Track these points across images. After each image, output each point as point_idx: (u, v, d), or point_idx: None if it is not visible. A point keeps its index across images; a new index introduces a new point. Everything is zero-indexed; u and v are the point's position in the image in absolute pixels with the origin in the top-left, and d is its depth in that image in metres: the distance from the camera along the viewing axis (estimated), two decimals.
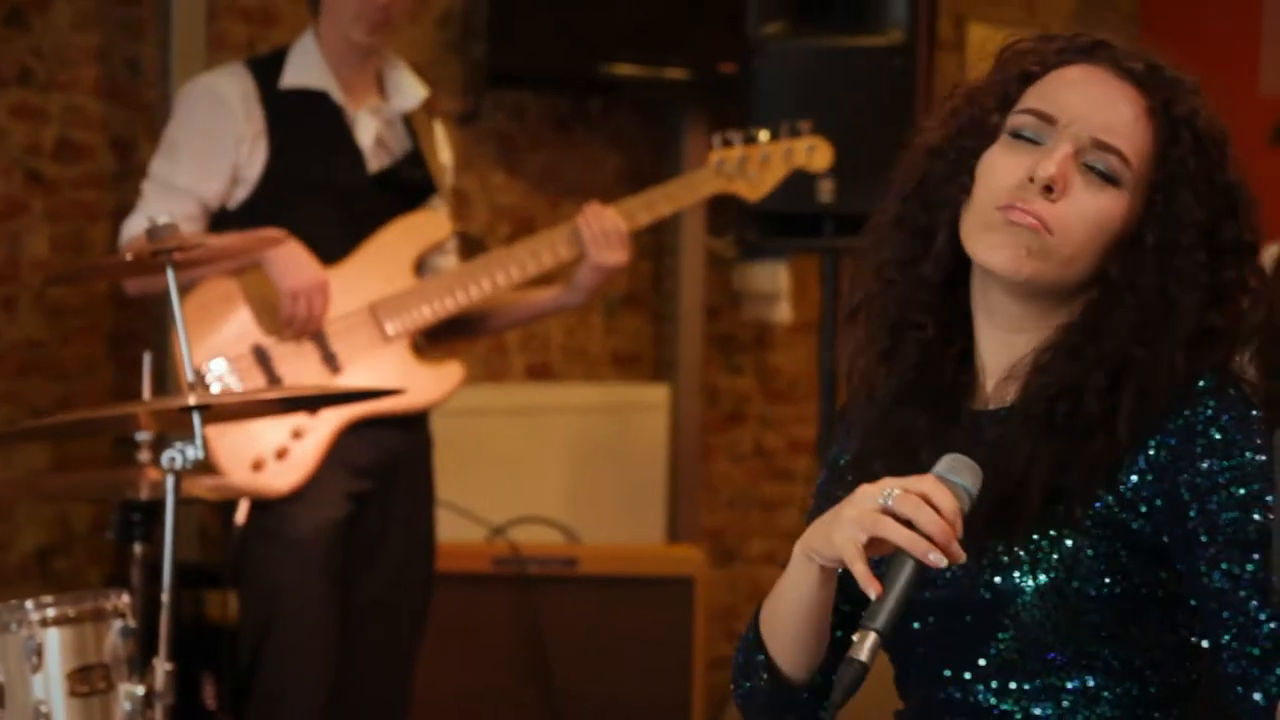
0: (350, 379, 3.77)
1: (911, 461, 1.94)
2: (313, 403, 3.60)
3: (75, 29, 4.44)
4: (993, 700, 1.92)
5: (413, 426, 3.91)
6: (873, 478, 1.89)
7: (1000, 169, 1.93)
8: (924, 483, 1.80)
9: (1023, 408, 1.93)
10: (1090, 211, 1.91)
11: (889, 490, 1.79)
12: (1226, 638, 1.84)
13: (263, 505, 3.72)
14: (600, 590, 4.56)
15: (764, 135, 4.08)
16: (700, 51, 5.24)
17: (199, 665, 3.88)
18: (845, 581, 1.88)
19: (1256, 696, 1.82)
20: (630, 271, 5.52)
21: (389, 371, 3.80)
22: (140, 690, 2.97)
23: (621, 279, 5.51)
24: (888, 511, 1.78)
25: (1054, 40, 2.00)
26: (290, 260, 3.69)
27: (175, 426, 3.28)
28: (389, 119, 3.90)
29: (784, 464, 5.87)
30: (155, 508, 3.32)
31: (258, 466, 3.71)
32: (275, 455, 3.72)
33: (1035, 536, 1.88)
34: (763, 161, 4.06)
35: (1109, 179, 1.91)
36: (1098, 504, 1.88)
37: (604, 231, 3.88)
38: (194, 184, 3.76)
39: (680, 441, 5.55)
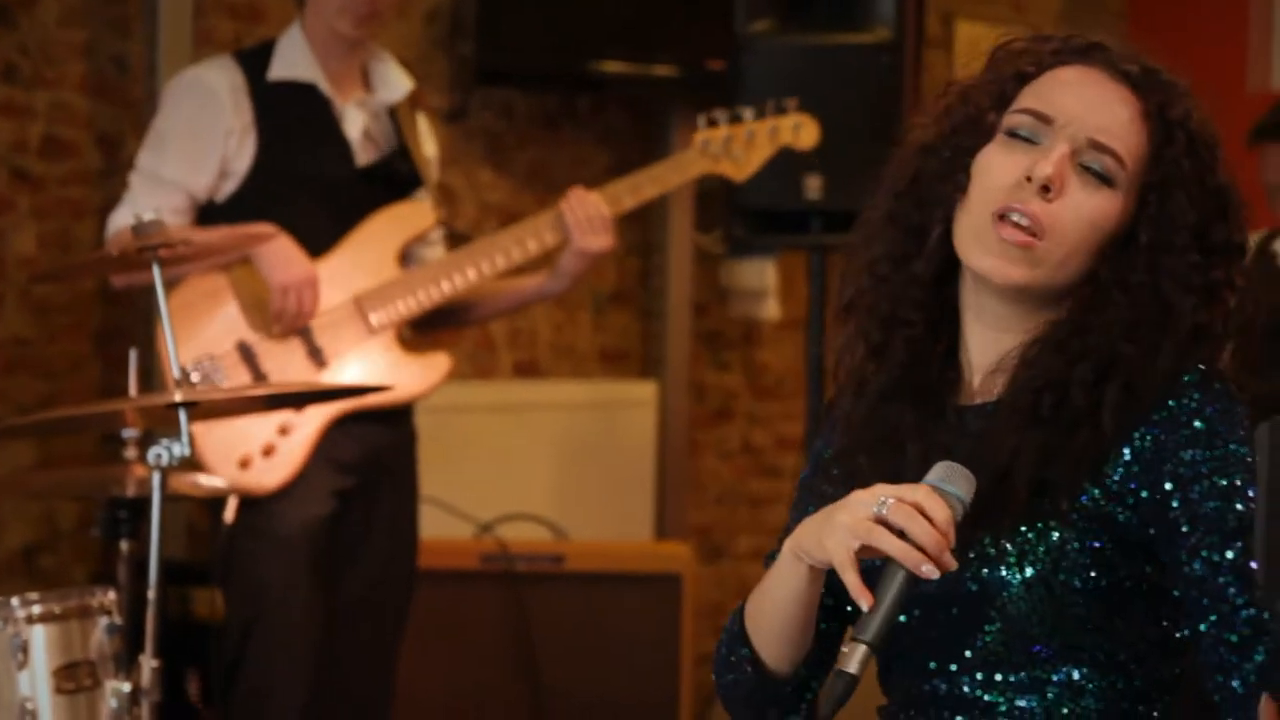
0: (336, 373, 3.76)
1: (897, 456, 1.96)
2: (301, 399, 3.60)
3: (61, 25, 4.43)
4: (978, 692, 1.93)
5: (398, 421, 3.91)
6: (858, 471, 1.91)
7: (997, 168, 1.94)
8: (918, 492, 1.80)
9: (1009, 401, 1.94)
10: (1085, 212, 1.92)
11: (883, 499, 1.80)
12: (1205, 626, 1.85)
13: (250, 502, 3.71)
14: (588, 587, 4.56)
15: (749, 114, 4.05)
16: (688, 49, 5.23)
17: (186, 662, 3.87)
18: (830, 576, 1.88)
19: (1234, 684, 1.83)
20: (618, 268, 5.53)
21: (375, 364, 3.79)
22: (126, 687, 2.97)
23: (609, 276, 5.51)
24: (881, 520, 1.79)
25: (1049, 41, 2.01)
26: (281, 255, 3.68)
27: (162, 423, 3.27)
28: (375, 111, 3.89)
29: (772, 461, 5.87)
30: (142, 505, 3.32)
31: (245, 464, 3.71)
32: (262, 452, 3.71)
33: (1022, 529, 1.89)
34: (748, 140, 4.04)
35: (1104, 179, 1.93)
36: (1084, 497, 1.89)
37: (588, 217, 3.86)
38: (182, 176, 3.75)
39: (668, 438, 5.55)
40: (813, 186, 4.54)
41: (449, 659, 4.46)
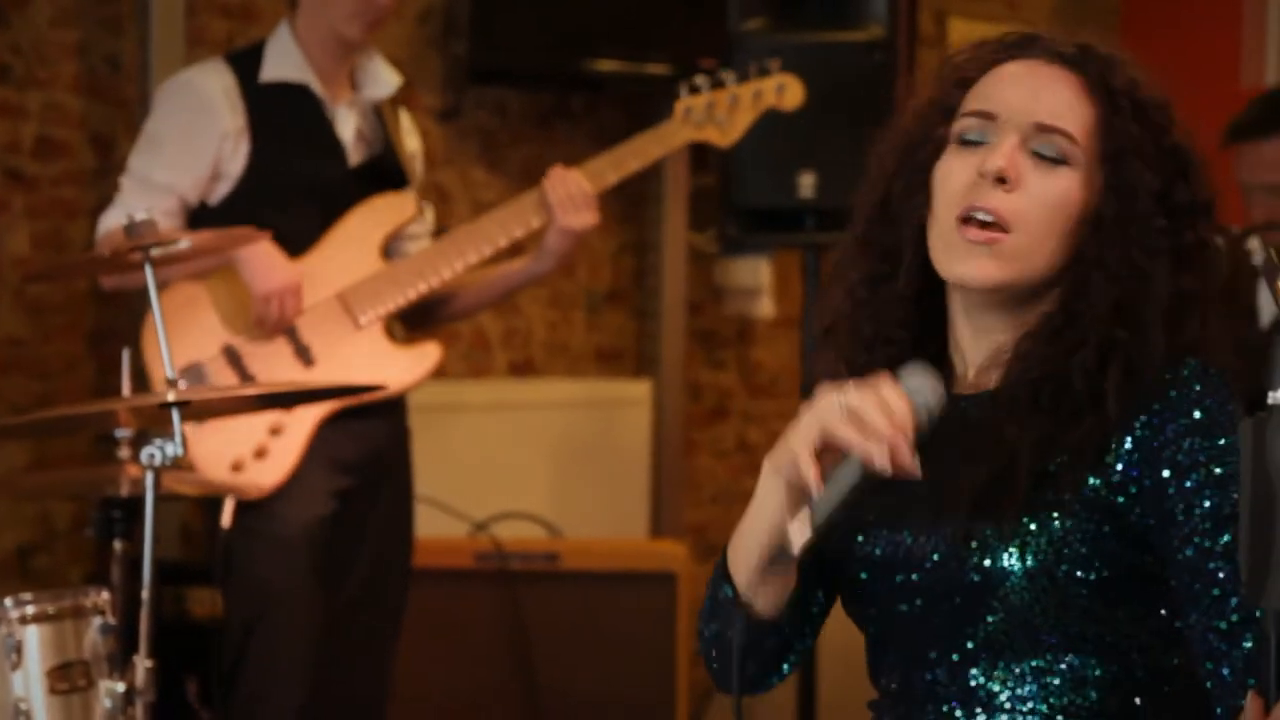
0: (325, 370, 3.75)
1: None
2: (295, 399, 3.59)
3: (54, 25, 4.43)
4: (980, 681, 1.94)
5: (393, 416, 3.89)
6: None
7: (953, 174, 1.97)
8: (881, 385, 1.82)
9: (1007, 390, 1.95)
10: (1047, 195, 1.94)
11: (845, 392, 1.82)
12: (1196, 613, 1.86)
13: (251, 504, 3.70)
14: (583, 586, 4.56)
15: (731, 78, 4.02)
16: (682, 47, 5.23)
17: (181, 662, 3.87)
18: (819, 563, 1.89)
19: (1224, 671, 1.84)
20: (612, 267, 5.53)
21: (364, 359, 3.77)
22: (120, 687, 2.96)
23: (604, 275, 5.50)
24: (843, 412, 1.81)
25: (986, 44, 2.04)
26: (262, 261, 3.67)
27: (155, 423, 3.27)
28: (364, 110, 3.88)
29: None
30: (136, 505, 3.31)
31: (237, 468, 3.70)
32: (254, 455, 3.70)
33: (1025, 519, 1.90)
34: (732, 105, 4.00)
35: (1059, 160, 1.95)
36: (1086, 487, 1.90)
37: (569, 195, 3.84)
38: (173, 180, 3.74)
39: (663, 437, 5.55)
40: (806, 185, 4.54)
41: (444, 658, 4.46)
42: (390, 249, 3.89)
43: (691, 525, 5.64)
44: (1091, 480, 1.90)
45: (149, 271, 3.08)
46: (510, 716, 4.53)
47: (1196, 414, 1.89)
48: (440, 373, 4.01)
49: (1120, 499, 1.90)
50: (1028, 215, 1.93)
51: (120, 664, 3.00)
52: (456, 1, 5.09)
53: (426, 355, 3.86)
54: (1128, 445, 1.90)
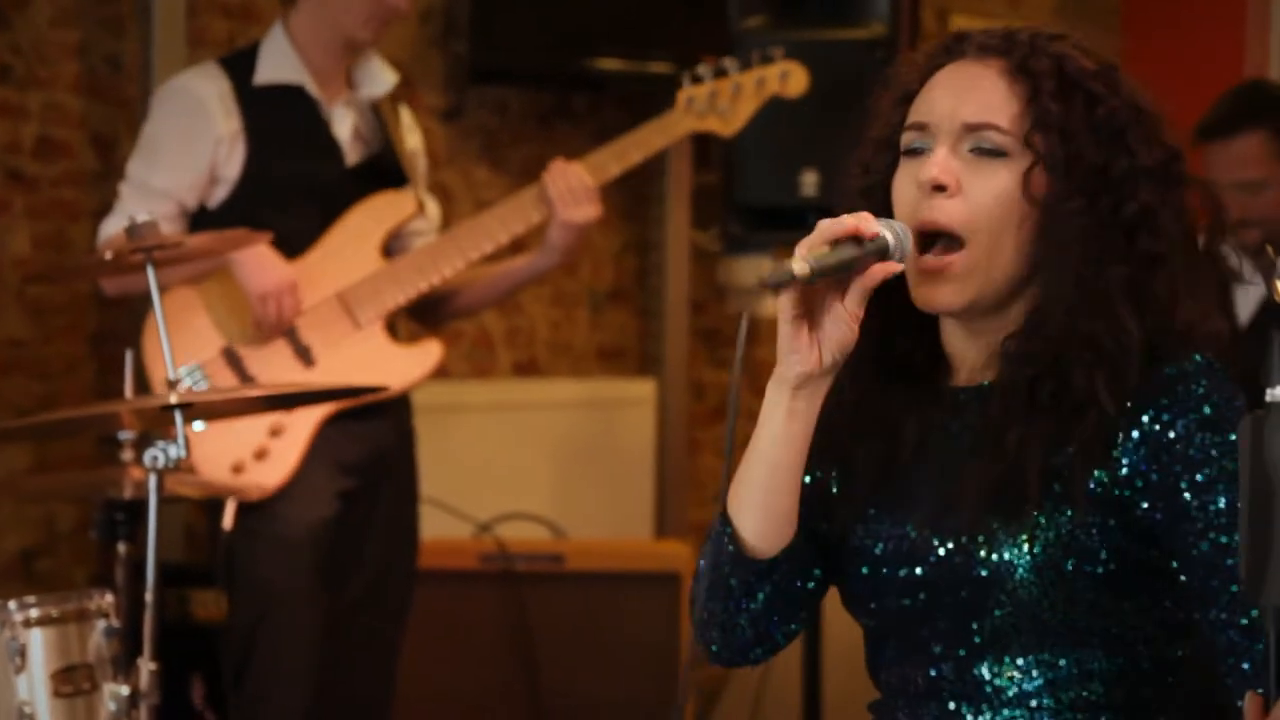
0: (325, 370, 3.74)
1: (895, 438, 1.99)
2: (297, 400, 3.58)
3: (55, 25, 4.42)
4: (986, 675, 1.94)
5: (397, 417, 3.88)
6: (852, 452, 1.95)
7: (901, 190, 1.99)
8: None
9: (1003, 387, 1.96)
10: (989, 193, 1.94)
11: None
12: (1215, 609, 1.87)
13: (253, 505, 3.70)
14: (587, 586, 4.55)
15: (733, 66, 4.00)
16: (684, 46, 5.22)
17: (185, 664, 3.86)
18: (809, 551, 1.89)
19: (1245, 666, 1.85)
20: (615, 266, 5.52)
21: (364, 359, 3.76)
22: (125, 690, 2.96)
23: (607, 274, 5.50)
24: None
25: (920, 52, 2.07)
26: (257, 263, 3.66)
27: (158, 425, 3.27)
28: (361, 109, 3.87)
29: None
30: (139, 507, 3.30)
31: (238, 470, 3.69)
32: (254, 456, 3.69)
33: (1033, 514, 1.90)
34: (734, 93, 3.98)
35: (994, 154, 1.95)
36: (1094, 483, 1.90)
37: (570, 188, 3.83)
38: (172, 185, 3.74)
39: (667, 436, 5.55)
40: (809, 183, 4.53)
41: (449, 659, 4.45)
42: (393, 247, 3.88)
43: (696, 525, 5.63)
44: (1098, 474, 1.90)
45: (151, 273, 3.07)
46: (515, 717, 4.52)
47: (1206, 409, 1.89)
48: (443, 373, 4.00)
49: (1127, 493, 1.90)
50: (976, 218, 1.94)
51: (125, 667, 2.99)
52: (457, 1, 5.08)
53: (428, 354, 3.85)
54: (1135, 439, 1.90)
